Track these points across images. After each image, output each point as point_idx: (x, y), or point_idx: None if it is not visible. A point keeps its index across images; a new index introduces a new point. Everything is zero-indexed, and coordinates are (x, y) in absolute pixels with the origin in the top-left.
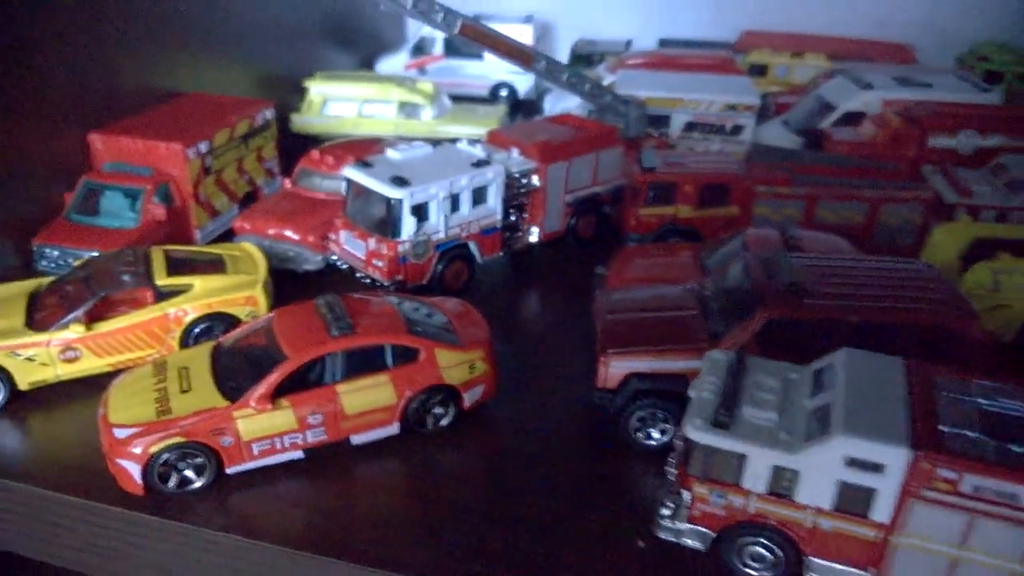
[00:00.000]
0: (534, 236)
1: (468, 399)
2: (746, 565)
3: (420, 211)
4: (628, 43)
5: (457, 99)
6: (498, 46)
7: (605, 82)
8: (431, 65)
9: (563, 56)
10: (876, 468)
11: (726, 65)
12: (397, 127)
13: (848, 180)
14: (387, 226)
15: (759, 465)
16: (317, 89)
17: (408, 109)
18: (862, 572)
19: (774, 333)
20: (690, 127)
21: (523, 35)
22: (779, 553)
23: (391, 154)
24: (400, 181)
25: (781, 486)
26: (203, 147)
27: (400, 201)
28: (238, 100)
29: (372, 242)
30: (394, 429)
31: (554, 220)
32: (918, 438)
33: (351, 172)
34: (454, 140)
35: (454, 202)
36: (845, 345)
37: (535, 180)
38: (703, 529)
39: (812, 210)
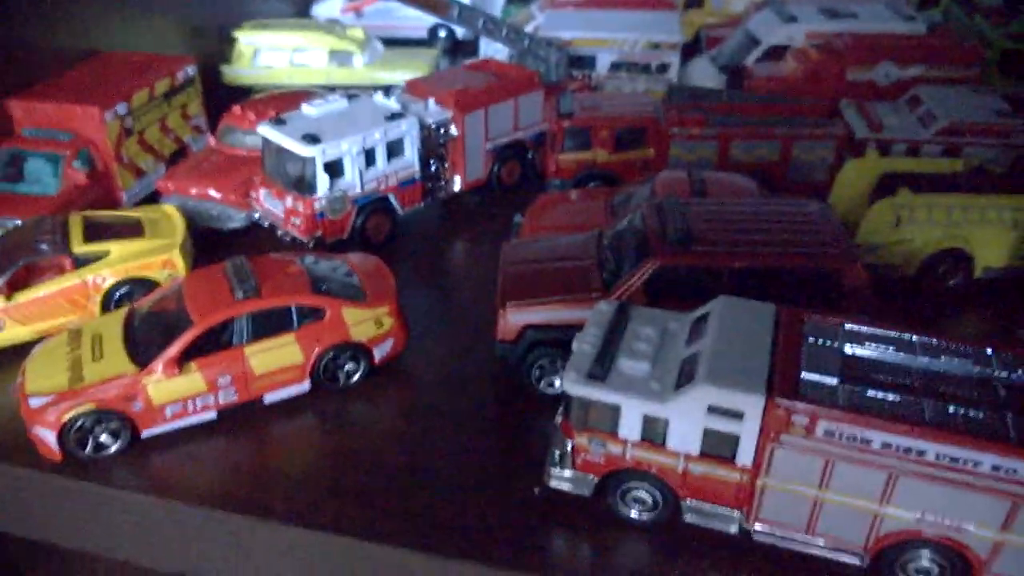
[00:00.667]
0: (456, 185)
1: (377, 354)
2: (629, 508)
3: (334, 167)
4: None
5: (395, 43)
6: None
7: (534, 22)
8: (368, 7)
9: None
10: (736, 415)
11: None
12: (329, 75)
13: (762, 119)
14: (302, 183)
15: (632, 415)
16: (247, 39)
17: (340, 57)
18: (734, 511)
19: (663, 281)
20: (616, 67)
21: None
22: (657, 496)
23: (306, 110)
24: (312, 138)
25: (654, 434)
26: (121, 109)
27: (312, 159)
28: (158, 58)
29: (289, 200)
30: (305, 387)
31: (476, 168)
32: (776, 386)
33: (265, 130)
34: (381, 89)
35: (369, 156)
36: (733, 292)
37: (453, 130)
38: (587, 476)
39: (726, 150)
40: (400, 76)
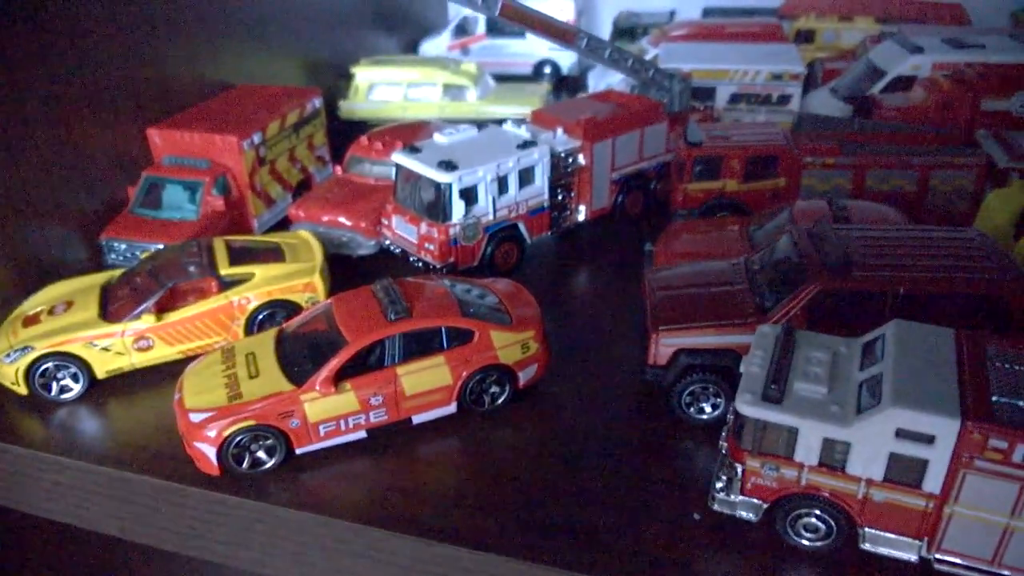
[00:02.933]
0: (582, 214)
1: (522, 378)
2: (800, 535)
3: (469, 194)
4: (672, 13)
5: (501, 78)
6: (538, 25)
7: (648, 56)
8: (474, 45)
9: (605, 30)
10: (927, 439)
11: (772, 33)
12: (442, 109)
13: (898, 148)
14: (437, 210)
15: (810, 438)
16: (363, 75)
17: (453, 91)
18: (915, 541)
19: (823, 305)
20: (735, 99)
21: (564, 10)
22: (832, 524)
23: (438, 138)
24: (448, 165)
25: (833, 458)
26: (256, 138)
27: (449, 185)
28: (287, 89)
29: (423, 226)
30: (452, 408)
31: (601, 198)
32: (968, 408)
33: (399, 157)
34: (499, 121)
35: (502, 184)
36: (894, 316)
37: (581, 159)
38: (756, 501)
39: (861, 180)
40: (512, 110)
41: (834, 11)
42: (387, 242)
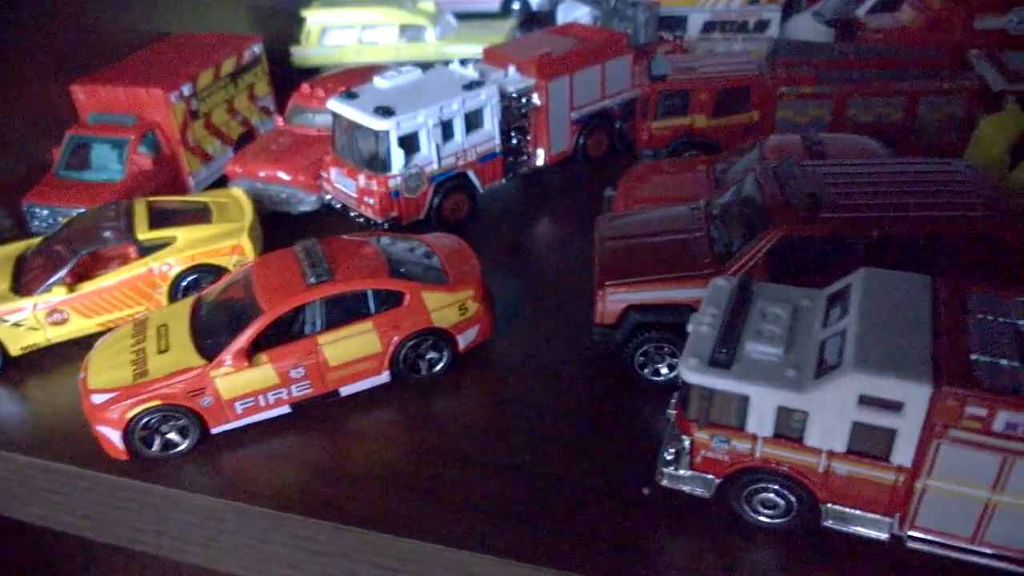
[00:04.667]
0: (540, 159)
1: (462, 341)
2: (757, 512)
3: (409, 142)
4: None
5: (468, 16)
6: None
7: None
8: None
9: None
10: (894, 406)
11: None
12: (400, 51)
13: (882, 73)
14: (376, 160)
15: (763, 406)
16: (314, 18)
17: (410, 32)
18: (885, 518)
19: (787, 253)
20: (709, 27)
21: None
22: (791, 500)
23: (378, 82)
24: (385, 111)
25: (790, 428)
26: (186, 90)
27: (387, 132)
28: (223, 37)
29: (362, 178)
30: (384, 378)
31: (561, 140)
32: (943, 371)
33: (335, 105)
34: (458, 59)
35: (446, 129)
36: (869, 263)
37: (535, 98)
38: (707, 476)
39: (842, 110)
40: (475, 50)
41: None
42: (328, 197)
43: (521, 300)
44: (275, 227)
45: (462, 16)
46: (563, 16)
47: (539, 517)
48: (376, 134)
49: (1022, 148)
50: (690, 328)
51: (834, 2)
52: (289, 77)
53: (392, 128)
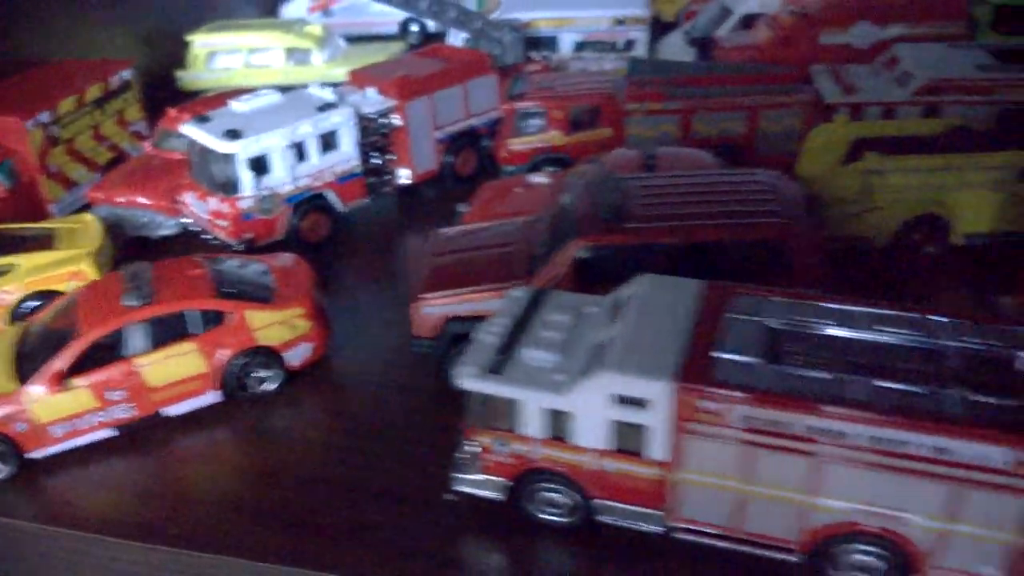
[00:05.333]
0: (405, 178)
1: (292, 359)
2: (543, 512)
3: (260, 164)
4: None
5: (366, 38)
6: None
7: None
8: (335, 6)
9: None
10: (642, 404)
11: None
12: (287, 75)
13: (725, 89)
14: (226, 183)
15: (531, 409)
16: (201, 42)
17: (297, 55)
18: (653, 511)
19: (593, 263)
20: (581, 47)
21: None
22: (575, 498)
23: (235, 106)
24: (233, 134)
25: (561, 430)
26: (44, 117)
27: (234, 155)
28: (91, 63)
29: (213, 201)
30: (214, 397)
31: (425, 159)
32: (685, 370)
33: (187, 129)
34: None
35: (300, 151)
36: (672, 270)
37: (396, 119)
38: (497, 479)
39: (688, 125)
40: None
41: None
42: (187, 220)
43: (370, 318)
44: (138, 251)
45: (360, 38)
46: (452, 39)
47: (362, 530)
48: (224, 157)
49: (851, 157)
50: (475, 337)
51: (703, 22)
52: (177, 102)
53: (239, 150)
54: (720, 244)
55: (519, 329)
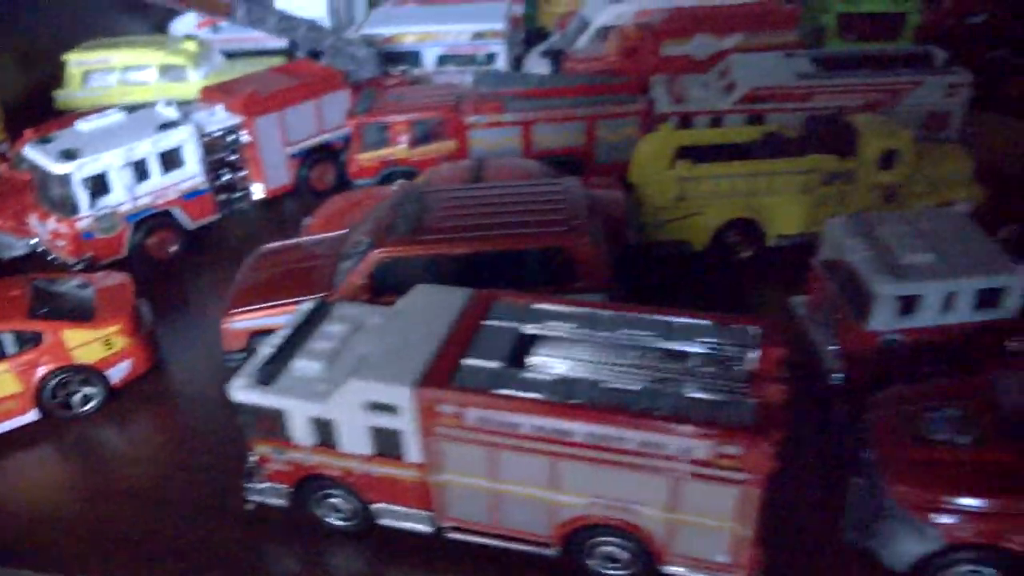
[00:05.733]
0: (258, 193)
1: (113, 376)
2: (328, 516)
3: (97, 183)
4: None
5: (255, 54)
6: (188, 3)
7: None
8: (223, 22)
9: None
10: (392, 410)
11: None
12: (161, 92)
13: (564, 101)
14: (63, 203)
15: (297, 418)
16: (77, 61)
17: (172, 72)
18: (424, 512)
19: (391, 273)
20: (444, 60)
21: None
22: (354, 502)
23: (80, 125)
24: (68, 155)
25: (328, 437)
26: None
27: (69, 175)
28: None
29: (51, 221)
30: (32, 416)
31: (279, 174)
32: (426, 375)
33: (28, 150)
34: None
35: (139, 169)
36: (465, 278)
37: (244, 135)
38: (280, 486)
39: (529, 136)
40: None
41: None
42: (35, 241)
43: (211, 330)
44: None
45: (249, 54)
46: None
47: (175, 544)
48: (60, 177)
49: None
50: (255, 349)
51: (565, 36)
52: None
53: (74, 170)
54: (506, 253)
55: (297, 341)
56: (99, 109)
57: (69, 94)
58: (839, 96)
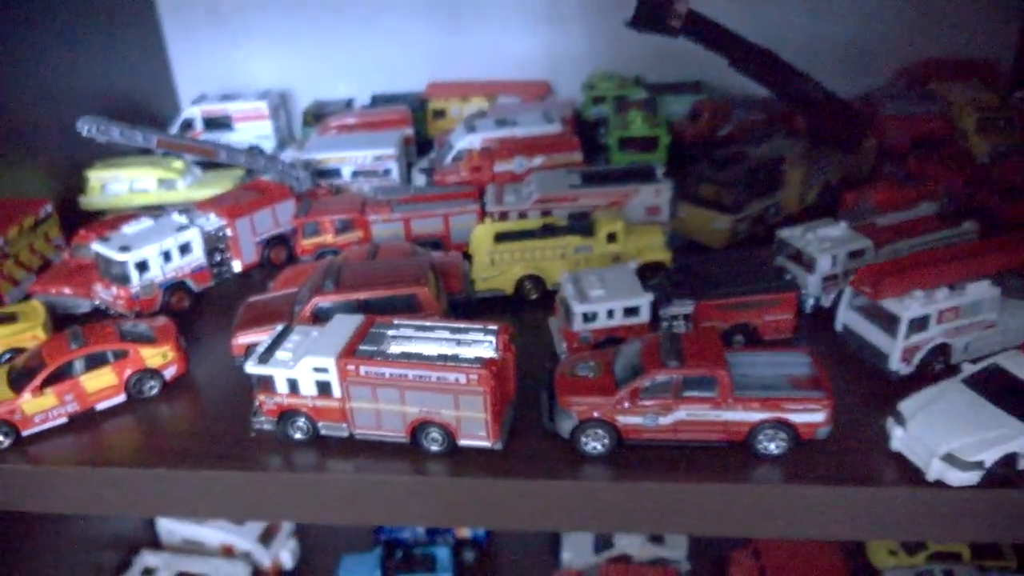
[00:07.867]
0: (237, 267)
1: (167, 375)
2: (294, 434)
3: (142, 265)
4: (350, 101)
5: (217, 165)
6: (188, 150)
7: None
8: (199, 137)
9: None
10: (325, 370)
11: (401, 118)
12: (160, 198)
13: (433, 203)
14: (122, 278)
15: (279, 379)
16: (96, 176)
17: (167, 183)
18: (343, 424)
19: (322, 311)
20: (356, 175)
21: (260, 109)
22: (309, 424)
23: (125, 229)
24: (125, 248)
25: (295, 388)
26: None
27: (126, 262)
28: (23, 202)
29: (114, 288)
30: (121, 398)
31: (250, 254)
32: (342, 352)
33: (96, 246)
34: (180, 209)
35: (167, 256)
36: (362, 311)
37: (228, 231)
38: (271, 419)
39: (409, 228)
40: (211, 192)
41: (457, 94)
42: (97, 302)
43: (215, 350)
44: (66, 322)
45: (214, 164)
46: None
47: (201, 455)
48: (120, 263)
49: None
50: (256, 348)
51: (440, 154)
52: (81, 220)
53: (129, 259)
54: (383, 297)
55: (277, 344)
56: (114, 211)
57: (91, 200)
58: (593, 199)
